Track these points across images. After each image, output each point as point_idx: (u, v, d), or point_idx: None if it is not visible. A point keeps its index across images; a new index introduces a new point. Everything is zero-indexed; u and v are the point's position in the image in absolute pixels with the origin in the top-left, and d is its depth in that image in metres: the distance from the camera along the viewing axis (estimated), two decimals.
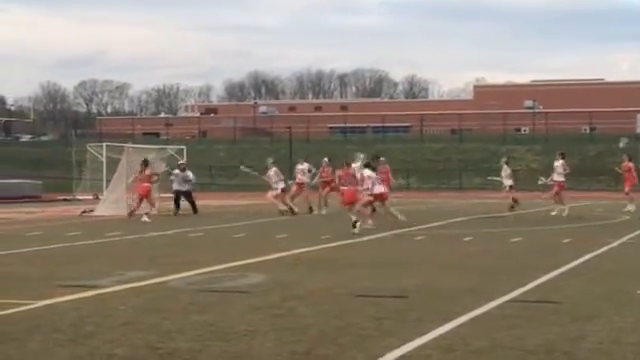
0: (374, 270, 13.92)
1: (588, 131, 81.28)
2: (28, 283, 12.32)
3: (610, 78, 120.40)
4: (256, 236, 20.88)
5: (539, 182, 30.23)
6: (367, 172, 21.98)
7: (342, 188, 22.63)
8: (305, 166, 30.54)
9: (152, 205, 27.77)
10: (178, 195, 30.34)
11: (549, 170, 30.60)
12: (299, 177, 30.28)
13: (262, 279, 12.65)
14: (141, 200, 27.73)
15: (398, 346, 7.99)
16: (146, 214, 26.48)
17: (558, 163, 29.06)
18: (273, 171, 29.24)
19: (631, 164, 32.15)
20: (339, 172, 24.23)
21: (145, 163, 28.34)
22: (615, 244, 18.14)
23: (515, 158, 68.45)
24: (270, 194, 29.25)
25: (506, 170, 29.06)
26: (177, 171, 30.78)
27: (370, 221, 22.15)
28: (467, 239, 19.55)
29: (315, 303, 10.41)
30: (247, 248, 17.65)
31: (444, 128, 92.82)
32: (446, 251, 17.27)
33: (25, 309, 10.05)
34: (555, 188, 28.89)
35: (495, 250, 17.25)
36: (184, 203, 30.31)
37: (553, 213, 27.98)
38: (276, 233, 21.14)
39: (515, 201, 28.18)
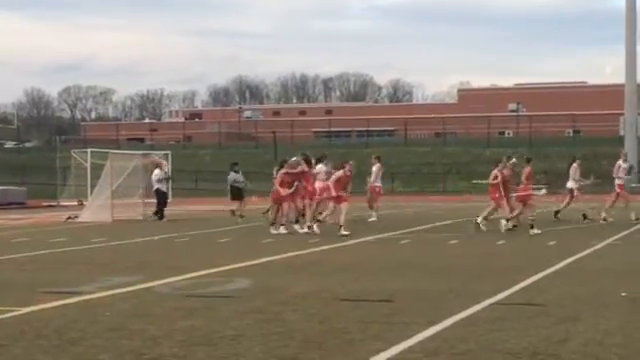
0: (360, 274, 13.92)
1: (572, 134, 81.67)
2: (13, 289, 12.28)
3: (593, 81, 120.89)
4: (242, 241, 20.85)
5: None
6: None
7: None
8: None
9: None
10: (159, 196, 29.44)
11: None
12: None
13: (248, 284, 12.65)
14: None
15: (384, 350, 8.00)
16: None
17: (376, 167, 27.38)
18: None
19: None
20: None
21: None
22: (599, 246, 18.23)
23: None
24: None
25: (576, 170, 26.67)
26: (157, 171, 29.86)
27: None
28: (452, 242, 19.58)
29: (301, 307, 10.41)
30: (233, 253, 17.65)
31: (428, 132, 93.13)
32: (432, 254, 17.31)
33: (9, 316, 10.01)
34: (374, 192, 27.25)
35: (480, 253, 17.28)
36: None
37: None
38: (263, 238, 21.12)
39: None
